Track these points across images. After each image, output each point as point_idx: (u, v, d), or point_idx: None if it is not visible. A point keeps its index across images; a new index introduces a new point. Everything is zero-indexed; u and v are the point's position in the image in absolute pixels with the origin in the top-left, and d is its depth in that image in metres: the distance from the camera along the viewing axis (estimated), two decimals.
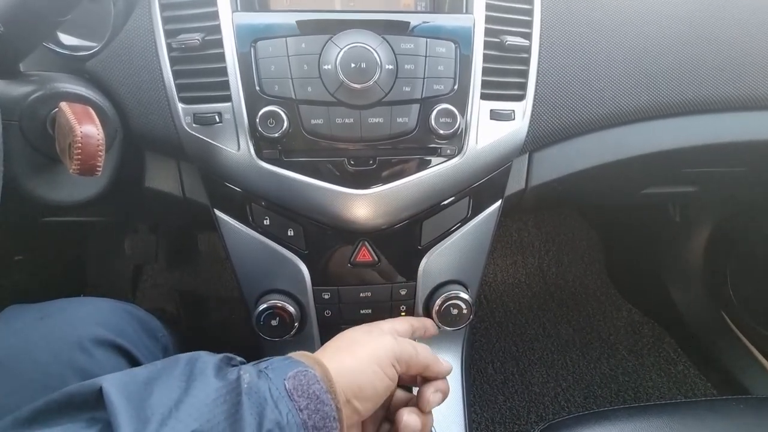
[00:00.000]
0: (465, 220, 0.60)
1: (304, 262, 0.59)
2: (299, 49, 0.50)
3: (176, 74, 0.52)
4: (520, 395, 1.15)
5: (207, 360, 0.39)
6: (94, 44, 0.52)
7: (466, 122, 0.53)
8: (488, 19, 0.53)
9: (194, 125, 0.52)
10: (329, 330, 0.59)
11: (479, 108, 0.54)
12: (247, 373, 0.37)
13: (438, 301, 0.61)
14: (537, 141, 0.59)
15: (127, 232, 1.24)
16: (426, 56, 0.51)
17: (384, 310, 0.63)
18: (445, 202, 0.58)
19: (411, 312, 0.64)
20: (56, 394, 0.34)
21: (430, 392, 0.47)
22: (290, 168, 0.53)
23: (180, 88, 0.52)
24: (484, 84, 0.54)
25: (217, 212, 0.59)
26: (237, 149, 0.52)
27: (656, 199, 1.03)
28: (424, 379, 0.49)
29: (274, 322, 0.59)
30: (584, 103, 0.58)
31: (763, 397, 0.65)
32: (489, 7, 0.53)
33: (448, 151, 0.54)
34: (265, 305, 0.59)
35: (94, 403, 0.34)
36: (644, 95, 0.59)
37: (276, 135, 0.50)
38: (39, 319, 0.49)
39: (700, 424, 0.57)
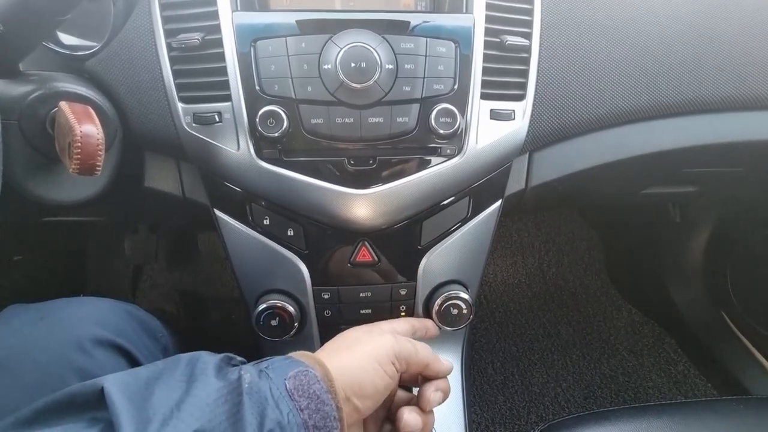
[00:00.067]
0: (465, 220, 0.60)
1: (304, 262, 0.59)
2: (299, 48, 0.50)
3: (176, 74, 0.52)
4: (520, 395, 1.15)
5: (208, 360, 0.39)
6: (93, 44, 0.52)
7: (466, 122, 0.53)
8: (488, 19, 0.53)
9: (194, 125, 0.52)
10: (329, 330, 0.59)
11: (479, 108, 0.54)
12: (248, 373, 0.37)
13: (438, 301, 0.61)
14: (537, 141, 0.59)
15: (127, 232, 1.23)
16: (426, 56, 0.51)
17: (384, 310, 0.63)
18: (445, 202, 0.58)
19: (411, 312, 0.64)
20: (57, 394, 0.34)
21: (431, 391, 0.47)
22: (290, 168, 0.53)
23: (180, 87, 0.52)
24: (484, 84, 0.53)
25: (217, 212, 0.59)
26: (237, 149, 0.52)
27: (656, 199, 1.03)
28: (425, 379, 0.48)
29: (273, 322, 0.59)
30: (584, 102, 0.58)
31: (763, 398, 0.65)
32: (489, 6, 0.53)
33: (448, 151, 0.54)
34: (264, 305, 0.59)
35: (96, 403, 0.34)
36: (644, 95, 0.59)
37: (276, 135, 0.50)
38: (39, 319, 0.49)
39: (700, 425, 0.57)
